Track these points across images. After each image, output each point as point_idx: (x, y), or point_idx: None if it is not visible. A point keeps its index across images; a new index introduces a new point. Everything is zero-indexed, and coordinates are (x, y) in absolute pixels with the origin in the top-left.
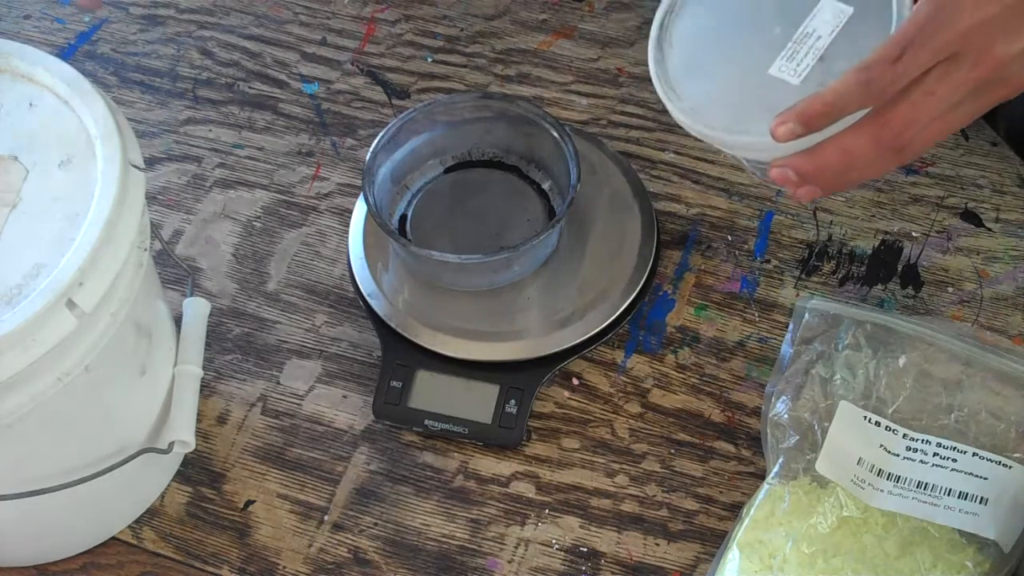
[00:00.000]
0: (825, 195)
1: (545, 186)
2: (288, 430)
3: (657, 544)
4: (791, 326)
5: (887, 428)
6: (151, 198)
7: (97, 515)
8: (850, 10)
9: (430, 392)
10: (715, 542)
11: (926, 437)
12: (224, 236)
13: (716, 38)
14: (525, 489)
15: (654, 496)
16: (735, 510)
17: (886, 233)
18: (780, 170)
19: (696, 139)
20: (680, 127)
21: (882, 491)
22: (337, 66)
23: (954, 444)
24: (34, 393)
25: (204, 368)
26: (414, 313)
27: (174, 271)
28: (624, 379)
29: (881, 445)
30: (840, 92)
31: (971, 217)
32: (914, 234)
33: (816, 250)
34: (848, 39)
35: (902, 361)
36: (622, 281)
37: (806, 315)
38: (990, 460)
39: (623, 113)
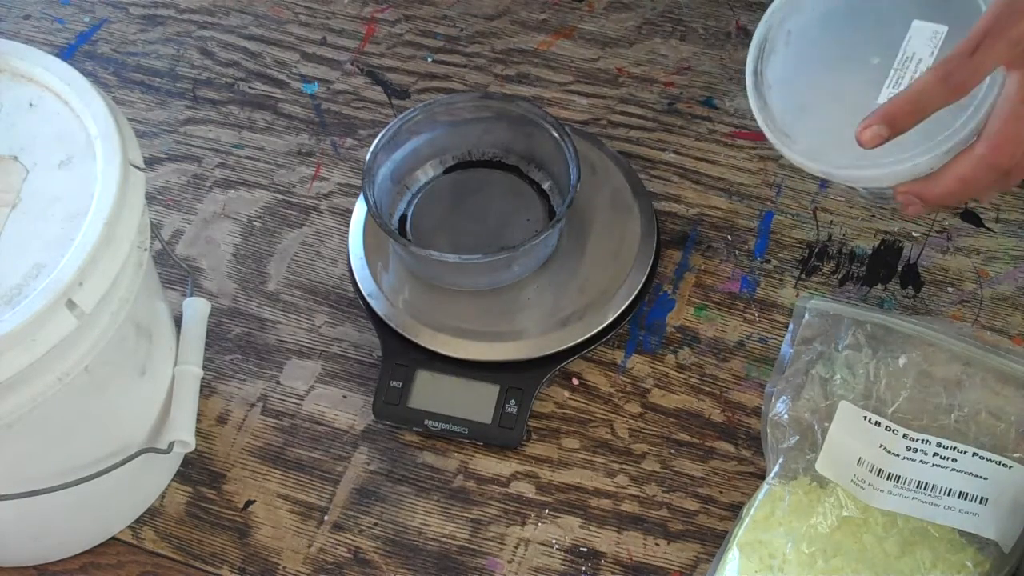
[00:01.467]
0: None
1: (545, 186)
2: (288, 430)
3: (657, 544)
4: (791, 326)
5: (887, 428)
6: (151, 198)
7: (97, 515)
8: (945, 28)
9: (430, 392)
10: (715, 542)
11: (926, 437)
12: (224, 236)
13: (814, 76)
14: (525, 489)
15: (654, 496)
16: (735, 510)
17: (886, 233)
18: (906, 195)
19: (696, 139)
20: (681, 128)
21: (882, 491)
22: (337, 66)
23: (954, 444)
24: (34, 393)
25: (204, 368)
26: (414, 313)
27: (174, 271)
28: (624, 379)
29: (881, 445)
30: (921, 90)
31: (971, 217)
32: (914, 234)
33: (816, 250)
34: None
35: (902, 361)
36: (622, 281)
37: (806, 315)
38: (990, 460)
39: (623, 113)
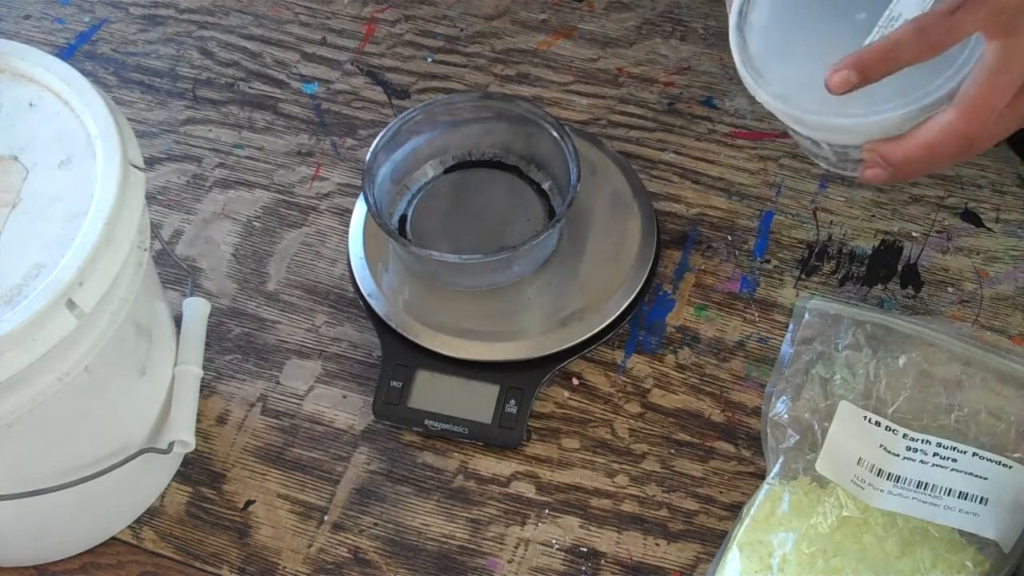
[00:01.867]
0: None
1: (545, 186)
2: (288, 430)
3: (657, 544)
4: (791, 326)
5: (887, 428)
6: (151, 198)
7: (97, 515)
8: None
9: (430, 392)
10: (715, 542)
11: (926, 437)
12: (224, 236)
13: (798, 24)
14: (525, 489)
15: (654, 496)
16: (735, 510)
17: (886, 233)
18: (871, 153)
19: (696, 139)
20: (681, 128)
21: (882, 491)
22: (337, 66)
23: (954, 444)
24: (34, 393)
25: (204, 368)
26: (414, 313)
27: (174, 271)
28: (624, 379)
29: (881, 445)
30: (896, 40)
31: (971, 217)
32: (914, 234)
33: (816, 250)
34: None
35: (902, 361)
36: (622, 281)
37: (806, 315)
38: (990, 460)
39: (623, 113)
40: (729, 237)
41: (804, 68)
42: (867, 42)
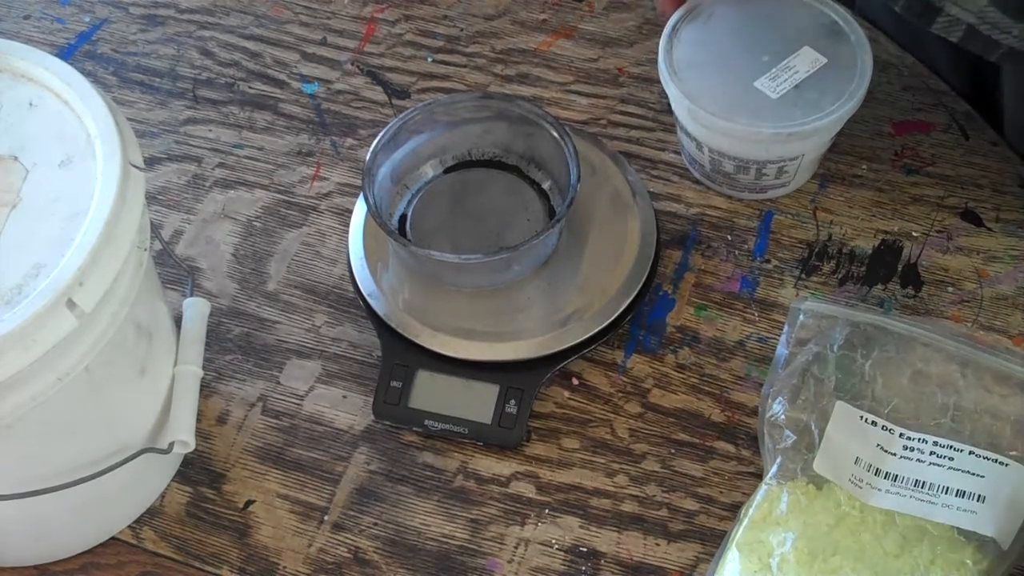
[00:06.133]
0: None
1: (545, 186)
2: (288, 430)
3: (657, 544)
4: (786, 327)
5: (883, 427)
6: (151, 198)
7: (97, 515)
8: (824, 60)
9: (430, 392)
10: (715, 542)
11: (922, 436)
12: (224, 236)
13: (716, 49)
14: (525, 489)
15: (654, 496)
16: (735, 510)
17: (886, 233)
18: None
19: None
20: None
21: (880, 490)
22: (337, 66)
23: (950, 443)
24: (34, 393)
25: (204, 368)
26: (414, 313)
27: (174, 271)
28: (624, 379)
29: (878, 444)
30: None
31: (971, 217)
32: (914, 234)
33: (816, 250)
34: (818, 78)
35: (897, 361)
36: (622, 281)
37: (800, 316)
38: (987, 458)
39: (623, 113)
40: (729, 237)
41: (710, 80)
42: (764, 77)
